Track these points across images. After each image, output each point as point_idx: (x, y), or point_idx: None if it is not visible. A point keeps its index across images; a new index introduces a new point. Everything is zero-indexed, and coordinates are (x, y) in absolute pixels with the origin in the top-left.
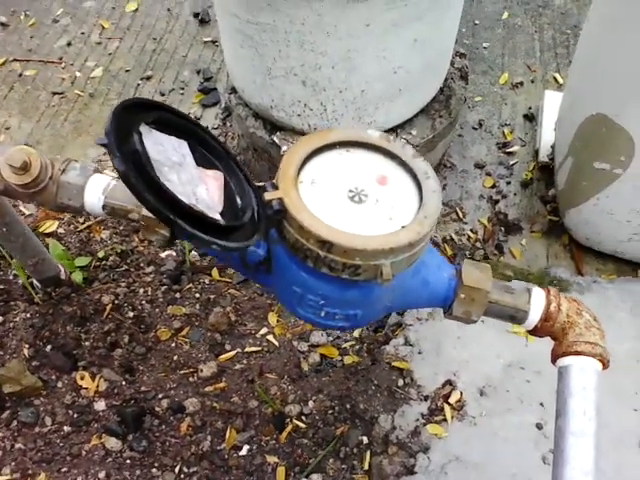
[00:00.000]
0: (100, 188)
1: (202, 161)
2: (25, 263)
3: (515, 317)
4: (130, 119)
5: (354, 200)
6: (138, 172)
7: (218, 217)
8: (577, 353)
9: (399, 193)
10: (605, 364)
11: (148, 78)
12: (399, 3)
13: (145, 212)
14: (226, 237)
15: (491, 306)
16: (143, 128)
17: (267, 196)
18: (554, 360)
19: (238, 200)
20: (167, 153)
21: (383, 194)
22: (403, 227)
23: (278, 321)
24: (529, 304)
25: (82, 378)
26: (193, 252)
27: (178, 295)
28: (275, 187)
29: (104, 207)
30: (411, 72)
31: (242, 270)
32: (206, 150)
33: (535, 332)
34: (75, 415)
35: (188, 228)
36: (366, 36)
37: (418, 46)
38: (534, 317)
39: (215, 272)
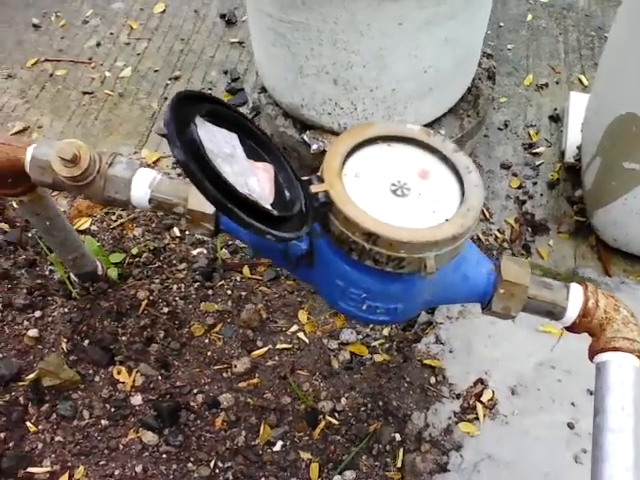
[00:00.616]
0: (147, 182)
1: (251, 153)
2: (65, 258)
3: (553, 313)
4: (185, 111)
5: (397, 193)
6: (196, 162)
7: (270, 208)
8: (615, 349)
9: (441, 187)
10: None
11: (176, 78)
12: (432, 2)
13: (190, 206)
14: (277, 227)
15: (530, 301)
16: (198, 120)
17: (313, 189)
18: (591, 357)
19: (286, 192)
20: (220, 145)
21: (425, 188)
22: (447, 220)
23: (308, 319)
24: (567, 300)
25: (119, 372)
26: (224, 249)
27: (210, 292)
28: (321, 180)
29: (150, 201)
30: (441, 71)
31: (283, 264)
32: (255, 143)
33: (573, 328)
34: (112, 409)
35: (245, 217)
36: (398, 35)
37: (449, 45)
38: (572, 313)
39: (246, 269)
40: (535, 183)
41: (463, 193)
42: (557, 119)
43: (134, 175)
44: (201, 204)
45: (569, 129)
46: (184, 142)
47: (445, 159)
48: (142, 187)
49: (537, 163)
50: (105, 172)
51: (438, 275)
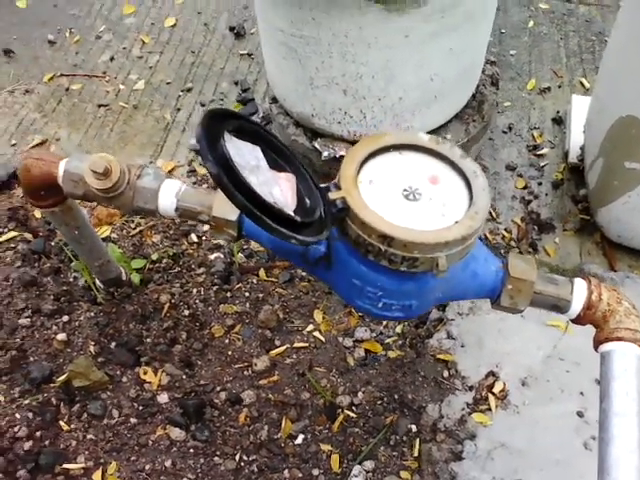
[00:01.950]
0: (173, 192)
1: (273, 164)
2: (91, 265)
3: (558, 306)
4: (214, 127)
5: (409, 198)
6: (227, 174)
7: (293, 214)
8: (618, 339)
9: (450, 191)
10: None
11: (189, 90)
12: (437, 15)
13: (215, 213)
14: (300, 232)
15: (536, 296)
16: (226, 135)
17: (331, 195)
18: (596, 347)
19: (307, 199)
20: (246, 157)
21: (435, 192)
22: (456, 222)
23: (323, 318)
24: (572, 294)
25: (145, 373)
26: (240, 254)
27: (229, 294)
28: (338, 187)
29: (176, 209)
30: (446, 80)
31: (303, 265)
32: (276, 154)
33: (578, 321)
34: (140, 407)
35: (272, 224)
36: (405, 46)
37: (454, 55)
38: (577, 306)
39: (262, 272)
40: (540, 183)
41: (471, 196)
42: (560, 121)
43: (161, 186)
44: (224, 212)
45: (572, 131)
46: (215, 156)
47: (453, 165)
48: (169, 197)
49: (542, 164)
50: (134, 183)
51: (449, 273)
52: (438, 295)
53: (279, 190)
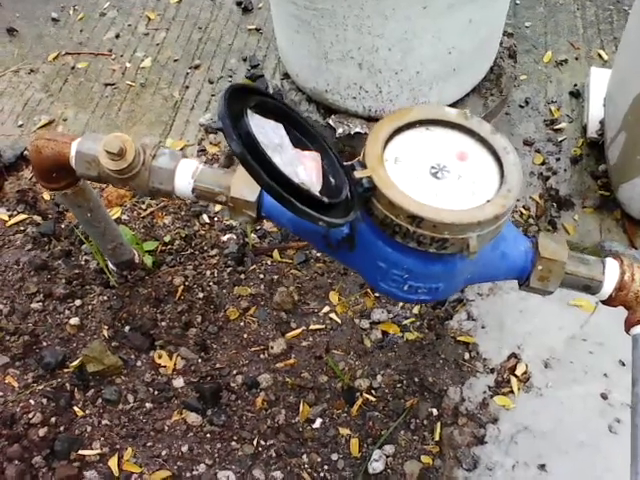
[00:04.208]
0: (189, 172)
1: (297, 142)
2: (104, 247)
3: (590, 287)
4: (236, 104)
5: (437, 176)
6: (251, 153)
7: (320, 195)
8: None
9: (479, 168)
10: None
11: (197, 67)
12: None
13: (233, 194)
14: (326, 214)
15: (567, 277)
16: (249, 112)
17: (357, 174)
18: (628, 329)
19: (331, 179)
20: (269, 136)
21: (464, 170)
22: (488, 201)
23: (339, 299)
24: (604, 274)
25: (160, 357)
26: (253, 234)
27: (243, 276)
28: (363, 166)
29: (193, 190)
30: (464, 52)
31: (324, 248)
32: (299, 132)
33: (609, 302)
34: (155, 392)
35: (300, 205)
36: (423, 18)
37: (472, 27)
38: (608, 287)
39: (276, 254)
40: (558, 159)
41: (502, 174)
42: (577, 95)
43: (177, 166)
44: (243, 192)
45: (590, 104)
46: (239, 135)
47: (483, 141)
48: (185, 177)
49: (559, 139)
50: (149, 164)
51: (478, 254)
52: (466, 277)
53: (304, 170)
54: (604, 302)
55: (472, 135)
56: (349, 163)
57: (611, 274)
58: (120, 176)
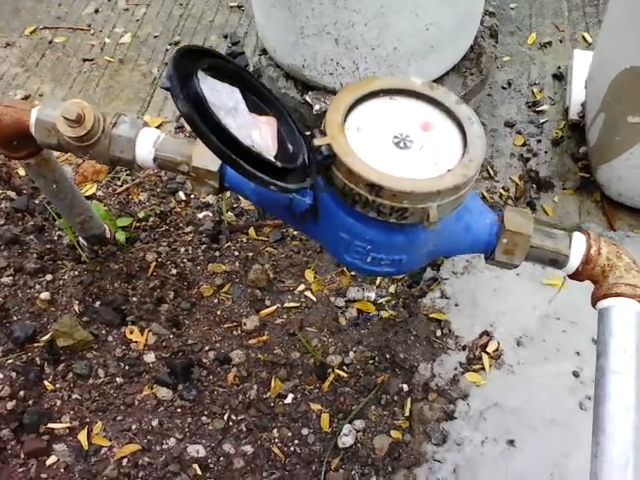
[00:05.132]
0: (150, 141)
1: (254, 107)
2: (73, 221)
3: (556, 261)
4: (187, 65)
5: (399, 146)
6: (200, 114)
7: (273, 159)
8: (617, 295)
9: (443, 138)
10: None
11: (176, 43)
12: None
13: (195, 163)
14: (281, 179)
15: (533, 250)
16: (200, 74)
17: (316, 142)
18: (594, 303)
19: (289, 145)
20: (222, 98)
21: (427, 140)
22: (449, 171)
23: (315, 278)
24: (570, 248)
25: (131, 332)
26: (230, 212)
27: (217, 253)
28: (323, 134)
29: (155, 160)
30: (442, 29)
31: (290, 220)
32: (257, 97)
33: (576, 276)
34: (126, 367)
35: (249, 168)
36: None
37: (450, 2)
38: (575, 261)
39: (252, 231)
40: (539, 141)
41: (465, 144)
42: (561, 77)
43: (138, 134)
44: (205, 161)
45: (573, 86)
46: (187, 95)
47: (448, 111)
48: (146, 146)
49: (541, 121)
50: (109, 132)
51: (441, 225)
52: (430, 249)
53: (259, 134)
54: (571, 276)
55: (437, 105)
56: (309, 132)
57: (577, 248)
58: (79, 144)
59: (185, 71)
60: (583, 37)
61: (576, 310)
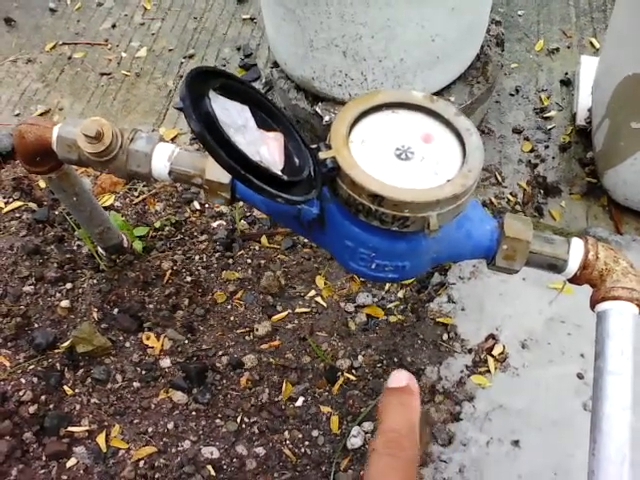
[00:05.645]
0: (166, 155)
1: (262, 124)
2: (92, 232)
3: (555, 266)
4: (200, 85)
5: (401, 157)
6: (211, 133)
7: (280, 173)
8: (615, 298)
9: (443, 150)
10: None
11: (191, 56)
12: None
13: (208, 176)
14: (288, 192)
15: (532, 256)
16: (211, 94)
17: (321, 155)
18: (593, 306)
19: (296, 159)
20: (232, 117)
21: (428, 151)
22: (448, 181)
23: (325, 284)
24: (568, 253)
25: (148, 338)
26: (242, 221)
27: (231, 261)
28: (328, 147)
29: (170, 173)
30: (448, 40)
31: (298, 229)
32: (265, 114)
33: (574, 280)
34: (143, 372)
35: (257, 182)
36: (405, 5)
37: (455, 14)
38: (573, 265)
39: (264, 239)
40: (547, 146)
41: (464, 155)
42: (568, 83)
43: (154, 149)
44: (217, 175)
45: (580, 92)
46: (199, 115)
47: (447, 123)
48: (162, 160)
49: (549, 127)
50: (127, 147)
51: (442, 233)
52: (432, 256)
53: (267, 149)
54: (570, 280)
55: (437, 117)
56: (315, 145)
57: (576, 253)
58: (98, 159)
59: (197, 92)
60: (591, 43)
61: (581, 313)
